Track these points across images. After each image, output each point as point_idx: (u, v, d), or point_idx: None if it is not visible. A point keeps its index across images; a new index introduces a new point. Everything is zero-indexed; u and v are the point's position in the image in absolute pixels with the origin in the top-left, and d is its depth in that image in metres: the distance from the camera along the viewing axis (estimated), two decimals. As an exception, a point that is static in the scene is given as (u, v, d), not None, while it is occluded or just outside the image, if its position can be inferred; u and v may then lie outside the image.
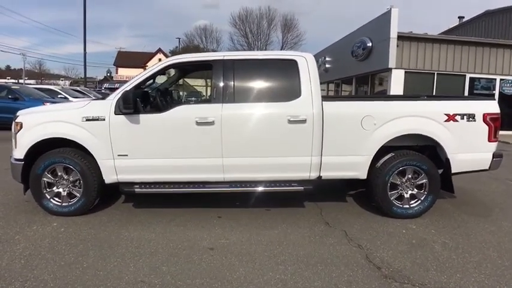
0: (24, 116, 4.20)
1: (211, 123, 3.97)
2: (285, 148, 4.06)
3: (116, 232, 3.77)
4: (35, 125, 4.08)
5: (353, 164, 4.14)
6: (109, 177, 4.10)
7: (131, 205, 4.65)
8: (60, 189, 4.13)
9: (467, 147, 4.23)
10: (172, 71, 5.21)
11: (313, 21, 71.74)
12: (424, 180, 4.21)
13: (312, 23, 68.47)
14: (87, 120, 3.99)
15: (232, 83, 4.07)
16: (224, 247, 3.48)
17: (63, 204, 4.14)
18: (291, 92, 4.07)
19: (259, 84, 4.19)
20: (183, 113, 4.02)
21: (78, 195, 4.13)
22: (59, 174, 4.11)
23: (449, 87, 12.94)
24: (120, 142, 4.02)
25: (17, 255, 3.23)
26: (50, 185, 4.13)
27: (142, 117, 4.00)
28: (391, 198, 4.22)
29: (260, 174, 4.13)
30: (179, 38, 53.70)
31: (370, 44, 14.29)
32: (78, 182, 4.12)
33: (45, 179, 4.09)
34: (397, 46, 12.65)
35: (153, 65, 4.21)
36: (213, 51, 55.11)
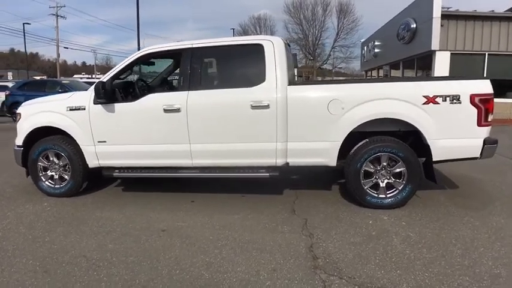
0: (23, 107, 4.73)
1: (178, 110, 4.08)
2: (250, 134, 4.02)
3: (91, 212, 4.10)
4: (30, 115, 4.58)
5: (320, 150, 3.96)
6: (92, 162, 4.44)
7: (121, 189, 4.99)
8: (53, 173, 4.60)
9: (452, 133, 3.79)
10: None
11: (371, 4, 67.93)
12: (402, 169, 3.88)
13: (369, 6, 64.88)
14: (70, 109, 4.36)
15: (199, 70, 4.14)
16: (177, 229, 3.59)
17: (56, 186, 4.60)
18: (256, 77, 4.01)
19: (225, 70, 4.20)
20: (152, 101, 4.19)
21: (67, 178, 4.56)
22: (51, 159, 4.56)
23: (503, 69, 11.46)
24: (99, 129, 4.33)
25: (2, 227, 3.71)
26: (44, 169, 4.61)
27: (117, 106, 4.25)
28: (364, 187, 3.96)
29: (227, 160, 4.15)
30: (233, 29, 54.72)
31: (414, 26, 13.22)
32: (67, 166, 4.55)
33: (40, 163, 4.58)
34: (442, 26, 11.53)
35: (129, 57, 4.43)
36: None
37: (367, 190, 3.97)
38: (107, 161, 4.42)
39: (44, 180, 4.61)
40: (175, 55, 4.32)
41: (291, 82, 4.09)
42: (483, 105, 3.70)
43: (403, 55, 14.76)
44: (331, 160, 3.97)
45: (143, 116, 4.20)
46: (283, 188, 4.79)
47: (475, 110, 3.71)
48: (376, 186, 3.98)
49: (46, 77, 39.73)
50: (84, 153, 4.42)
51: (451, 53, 11.79)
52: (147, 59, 4.47)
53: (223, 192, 4.68)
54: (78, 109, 4.33)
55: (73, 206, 4.30)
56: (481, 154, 3.82)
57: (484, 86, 3.74)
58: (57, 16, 40.87)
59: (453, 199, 4.30)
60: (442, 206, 4.06)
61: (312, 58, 48.54)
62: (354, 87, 3.95)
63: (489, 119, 3.77)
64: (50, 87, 13.33)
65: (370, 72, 23.30)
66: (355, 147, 3.96)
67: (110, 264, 2.95)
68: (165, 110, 4.10)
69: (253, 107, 3.93)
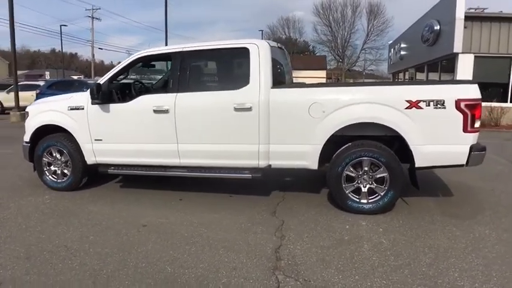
0: (30, 106, 5.10)
1: (166, 111, 4.25)
2: (233, 136, 4.11)
3: (84, 206, 4.35)
4: (36, 113, 4.93)
5: (302, 153, 3.97)
6: (90, 159, 4.71)
7: (119, 185, 5.24)
8: (56, 168, 4.91)
9: (437, 139, 3.68)
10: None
11: (402, 4, 65.82)
12: (384, 174, 3.82)
13: (400, 7, 62.86)
14: (70, 109, 4.65)
15: (187, 73, 4.28)
16: (157, 225, 3.75)
17: (58, 180, 4.91)
18: (240, 80, 4.09)
19: (213, 73, 4.32)
20: (143, 102, 4.38)
21: (68, 173, 4.86)
22: (54, 155, 4.88)
23: (532, 73, 10.79)
24: (96, 128, 4.58)
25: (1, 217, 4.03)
26: (49, 164, 4.94)
27: (112, 106, 4.49)
28: (346, 191, 3.93)
29: (212, 160, 4.26)
30: (261, 31, 55.04)
31: (437, 27, 12.76)
32: (68, 162, 4.85)
33: (44, 159, 4.91)
34: (465, 28, 11.04)
35: (125, 60, 4.66)
36: (295, 42, 55.29)
37: (349, 194, 3.94)
38: (103, 158, 4.66)
39: (47, 174, 4.94)
40: (167, 58, 4.49)
41: (286, 84, 4.13)
42: (469, 111, 3.57)
43: (427, 58, 14.27)
44: (313, 163, 3.98)
45: (135, 116, 4.40)
46: (272, 190, 4.84)
47: (460, 116, 3.59)
48: (358, 191, 3.95)
49: (83, 77, 41.95)
50: (82, 151, 4.70)
51: (475, 56, 11.25)
52: (141, 62, 4.68)
53: (213, 192, 4.79)
54: (78, 109, 4.61)
55: (70, 200, 4.58)
56: (467, 161, 3.69)
57: (471, 91, 3.60)
58: (93, 18, 42.96)
59: (442, 207, 4.17)
60: (427, 214, 3.95)
61: (340, 60, 47.88)
62: (335, 91, 3.93)
63: (476, 125, 3.63)
64: (76, 87, 14.10)
65: (397, 75, 22.66)
66: (338, 151, 3.94)
67: (86, 254, 3.14)
68: (155, 111, 4.28)
69: (237, 109, 4.02)
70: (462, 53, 11.14)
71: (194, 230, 3.60)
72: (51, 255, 3.14)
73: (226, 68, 4.29)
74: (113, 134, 4.53)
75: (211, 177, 4.37)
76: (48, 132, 4.91)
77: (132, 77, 5.22)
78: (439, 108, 3.60)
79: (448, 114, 3.60)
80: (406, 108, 3.65)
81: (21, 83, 19.09)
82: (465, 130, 3.61)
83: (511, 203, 4.36)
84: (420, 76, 16.64)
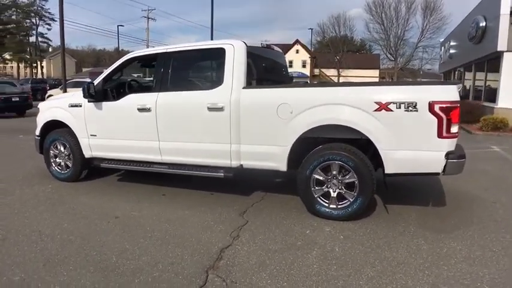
0: (41, 103, 5.61)
1: (149, 110, 4.43)
2: (207, 135, 4.18)
3: (76, 197, 4.69)
4: (45, 110, 5.41)
5: (271, 154, 3.92)
6: (87, 153, 5.07)
7: (116, 179, 5.57)
8: (60, 160, 5.36)
9: (408, 144, 3.42)
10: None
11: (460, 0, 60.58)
12: (353, 179, 3.63)
13: (458, 2, 57.94)
14: (71, 106, 5.05)
15: (169, 73, 4.43)
16: (128, 218, 3.94)
17: (62, 171, 5.35)
18: (215, 80, 4.15)
19: (191, 73, 4.42)
20: (129, 101, 4.62)
21: (70, 166, 5.28)
22: (59, 148, 5.32)
23: None
24: (91, 124, 4.92)
25: (2, 202, 4.49)
26: (55, 156, 5.40)
27: (104, 104, 4.79)
28: (315, 195, 3.81)
29: (189, 158, 4.37)
30: (311, 29, 54.45)
31: (483, 24, 11.68)
32: (70, 155, 5.26)
33: (51, 151, 5.38)
34: (511, 24, 9.95)
35: (117, 61, 4.94)
36: (345, 39, 53.79)
37: (318, 199, 3.81)
38: (98, 153, 4.99)
39: (54, 166, 5.40)
40: (153, 59, 4.68)
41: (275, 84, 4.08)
42: (445, 115, 3.27)
43: (474, 56, 13.10)
44: (282, 165, 3.91)
45: (123, 114, 4.66)
46: (255, 190, 4.82)
47: (434, 120, 3.30)
48: (328, 196, 3.80)
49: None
50: (81, 145, 5.07)
51: (524, 54, 10.09)
52: (132, 63, 4.93)
53: (197, 189, 4.89)
54: (76, 106, 4.99)
55: (68, 190, 4.97)
56: (443, 170, 3.37)
57: (447, 93, 3.29)
58: (148, 18, 45.58)
59: (424, 218, 3.86)
60: (402, 224, 3.68)
61: (393, 59, 45.60)
62: (303, 92, 3.81)
63: (453, 130, 3.31)
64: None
65: (448, 74, 21.11)
66: (308, 154, 3.83)
67: (51, 240, 3.41)
68: (139, 110, 4.49)
69: (210, 109, 4.08)
70: (507, 51, 10.05)
71: (158, 225, 3.73)
72: (23, 238, 3.46)
73: (204, 68, 4.37)
74: (105, 130, 4.83)
75: (188, 175, 4.47)
76: (57, 127, 5.37)
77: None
78: (411, 111, 3.34)
79: (421, 118, 3.32)
80: (375, 111, 3.44)
81: (72, 80, 21.07)
82: (440, 135, 3.31)
83: (505, 218, 3.90)
84: (469, 76, 15.32)
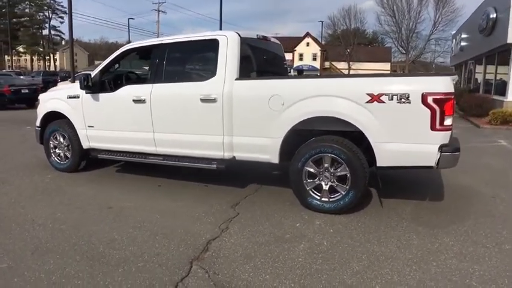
0: (41, 94, 5.66)
1: (144, 101, 4.43)
2: (200, 126, 4.16)
3: (73, 187, 4.74)
4: (45, 101, 5.46)
5: (263, 146, 3.88)
6: (85, 144, 5.10)
7: (115, 170, 5.61)
8: (60, 151, 5.42)
9: (401, 136, 3.34)
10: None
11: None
12: (345, 172, 3.57)
13: None
14: (69, 97, 5.08)
15: (163, 64, 4.41)
16: (120, 209, 3.95)
17: (61, 162, 5.41)
18: (209, 71, 4.11)
19: (185, 65, 4.39)
20: (125, 92, 4.61)
21: (69, 156, 5.33)
22: (58, 139, 5.38)
23: None
24: (89, 115, 4.94)
25: (1, 192, 4.57)
26: (55, 147, 5.46)
27: (101, 96, 4.80)
28: (307, 188, 3.76)
29: (183, 149, 4.36)
30: (322, 22, 53.76)
31: (494, 15, 11.31)
32: (69, 146, 5.31)
33: (51, 142, 5.44)
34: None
35: (113, 53, 4.93)
36: (356, 32, 53.00)
37: (310, 191, 3.76)
38: (95, 144, 5.02)
39: (53, 156, 5.46)
40: (149, 51, 4.66)
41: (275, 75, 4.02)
42: (438, 106, 3.17)
43: (485, 49, 12.74)
44: (274, 157, 3.87)
45: (119, 105, 4.67)
46: (251, 182, 4.79)
47: (427, 112, 3.20)
48: (320, 189, 3.75)
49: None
50: (79, 135, 5.11)
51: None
52: (128, 54, 4.91)
53: (192, 181, 4.88)
54: (75, 97, 5.01)
55: (66, 180, 5.02)
56: (437, 163, 3.28)
57: (441, 84, 3.19)
58: (159, 11, 45.67)
59: (419, 212, 3.78)
60: (396, 219, 3.62)
61: (404, 52, 44.70)
62: (294, 83, 3.75)
63: (447, 123, 3.21)
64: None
65: (459, 67, 20.63)
66: (301, 146, 3.78)
67: (43, 229, 3.45)
68: (134, 101, 4.49)
69: (203, 101, 4.05)
70: (518, 43, 9.73)
71: (149, 216, 3.74)
72: (16, 227, 3.51)
73: (198, 60, 4.34)
74: (102, 121, 4.85)
75: (183, 166, 4.47)
76: (56, 118, 5.42)
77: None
78: (404, 102, 3.25)
79: (414, 110, 3.23)
80: (367, 102, 3.36)
81: (82, 72, 21.24)
82: (433, 128, 3.21)
83: (503, 213, 3.80)
84: (479, 69, 14.92)
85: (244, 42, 4.15)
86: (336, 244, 3.10)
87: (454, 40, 19.98)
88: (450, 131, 3.28)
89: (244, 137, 3.96)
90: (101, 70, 4.86)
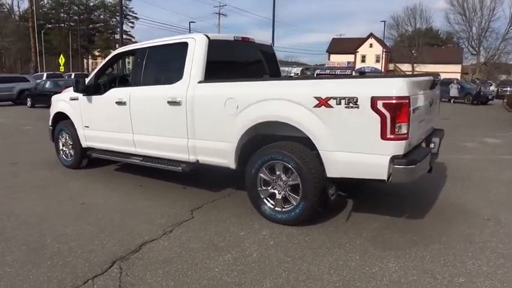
0: (53, 96, 6.19)
1: (124, 103, 4.62)
2: (168, 129, 4.22)
3: (68, 182, 5.10)
4: (55, 102, 5.96)
5: (221, 150, 3.81)
6: (83, 143, 5.47)
7: (114, 169, 5.91)
8: (66, 149, 5.87)
9: (349, 145, 3.04)
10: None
11: None
12: (297, 182, 3.34)
13: None
14: (71, 99, 5.49)
15: (142, 67, 4.56)
16: (91, 205, 4.17)
17: (67, 159, 5.86)
18: (177, 74, 4.15)
19: (159, 68, 4.48)
20: (110, 95, 4.86)
21: (72, 154, 5.75)
22: (64, 137, 5.83)
23: None
24: (85, 116, 5.30)
25: (5, 185, 5.04)
26: (62, 145, 5.93)
27: (93, 98, 5.11)
28: (261, 196, 3.61)
29: (157, 151, 4.46)
30: (384, 21, 51.26)
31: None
32: (73, 145, 5.73)
33: (60, 140, 5.92)
34: None
35: (107, 58, 5.21)
36: (423, 32, 49.56)
37: (264, 199, 3.60)
38: (91, 143, 5.36)
39: (61, 153, 5.94)
40: (133, 54, 4.85)
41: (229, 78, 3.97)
42: (389, 112, 2.82)
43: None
44: (230, 162, 3.78)
45: (106, 107, 4.93)
46: (229, 186, 4.72)
47: (377, 118, 2.86)
48: (274, 197, 3.56)
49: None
50: (78, 135, 5.49)
51: None
52: (119, 58, 5.16)
53: (173, 182, 4.94)
54: (75, 99, 5.41)
55: (67, 176, 5.42)
56: (388, 176, 2.91)
57: (393, 87, 2.83)
58: (219, 14, 47.34)
59: (383, 231, 3.40)
60: (351, 236, 3.30)
61: (475, 52, 40.72)
62: (247, 86, 3.62)
63: (400, 131, 2.83)
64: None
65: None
66: (255, 152, 3.63)
67: (16, 220, 3.75)
68: (117, 103, 4.71)
69: (170, 103, 4.11)
70: None
71: (109, 214, 3.89)
72: (-3, 218, 3.88)
73: (170, 63, 4.39)
74: (94, 122, 5.17)
75: (156, 168, 4.56)
76: (64, 118, 5.88)
77: None
78: (352, 107, 2.95)
79: (363, 116, 2.92)
80: (315, 107, 3.12)
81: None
82: (383, 137, 2.87)
83: (486, 240, 3.24)
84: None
85: (215, 44, 4.12)
86: (265, 258, 2.93)
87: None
88: (405, 141, 2.89)
89: (205, 140, 3.93)
90: (95, 73, 5.19)
